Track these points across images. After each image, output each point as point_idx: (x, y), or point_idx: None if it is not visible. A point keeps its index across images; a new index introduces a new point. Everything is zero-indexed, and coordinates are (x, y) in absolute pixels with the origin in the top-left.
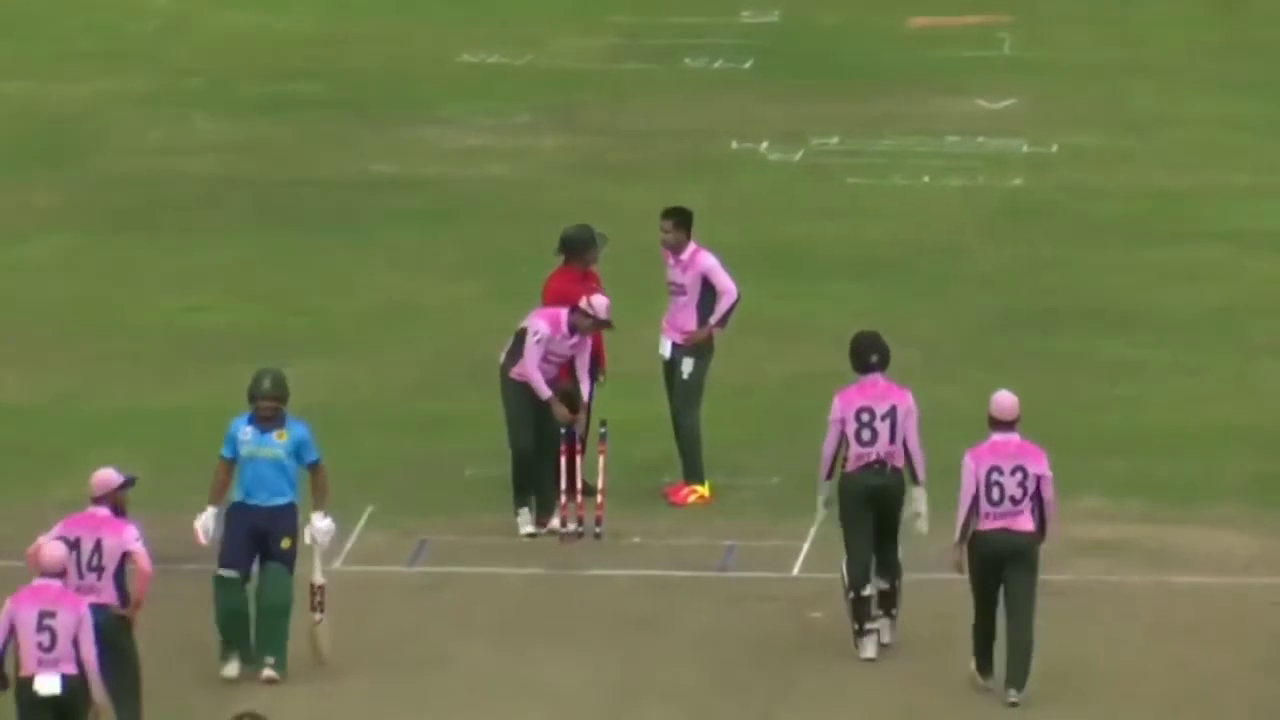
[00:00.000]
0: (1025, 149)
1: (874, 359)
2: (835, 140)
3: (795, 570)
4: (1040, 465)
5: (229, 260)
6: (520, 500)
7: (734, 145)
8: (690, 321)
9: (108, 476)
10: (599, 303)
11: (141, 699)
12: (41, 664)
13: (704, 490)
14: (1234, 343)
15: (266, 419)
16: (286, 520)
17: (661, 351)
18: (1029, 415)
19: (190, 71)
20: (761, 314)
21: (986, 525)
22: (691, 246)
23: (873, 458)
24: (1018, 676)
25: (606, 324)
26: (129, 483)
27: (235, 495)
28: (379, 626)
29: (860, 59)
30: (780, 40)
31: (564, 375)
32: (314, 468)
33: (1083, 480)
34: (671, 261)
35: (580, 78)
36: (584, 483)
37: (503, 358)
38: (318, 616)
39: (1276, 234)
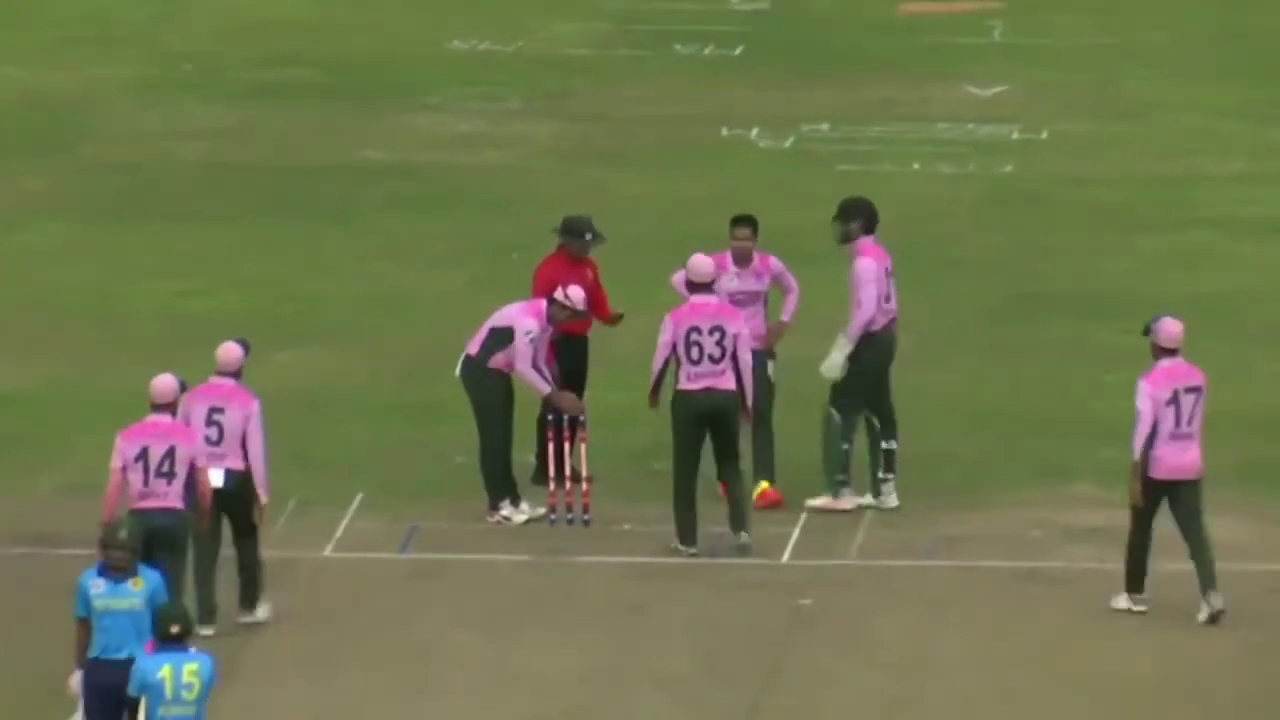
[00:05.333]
0: (1016, 136)
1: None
2: (825, 127)
3: (785, 557)
4: (737, 324)
5: (221, 247)
6: (502, 493)
7: (724, 132)
8: (764, 325)
9: (169, 383)
10: (575, 294)
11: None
12: (209, 458)
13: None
14: (1226, 329)
15: (119, 569)
16: None
17: None
18: (1021, 402)
19: (182, 58)
20: None
21: (689, 385)
22: (757, 253)
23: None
24: (742, 519)
25: (583, 315)
26: (184, 386)
27: (92, 651)
28: (369, 613)
29: (850, 45)
30: (770, 27)
31: (550, 360)
32: None
33: (1075, 467)
34: (734, 270)
35: (571, 64)
36: (572, 470)
37: (475, 350)
38: None
39: (1268, 220)
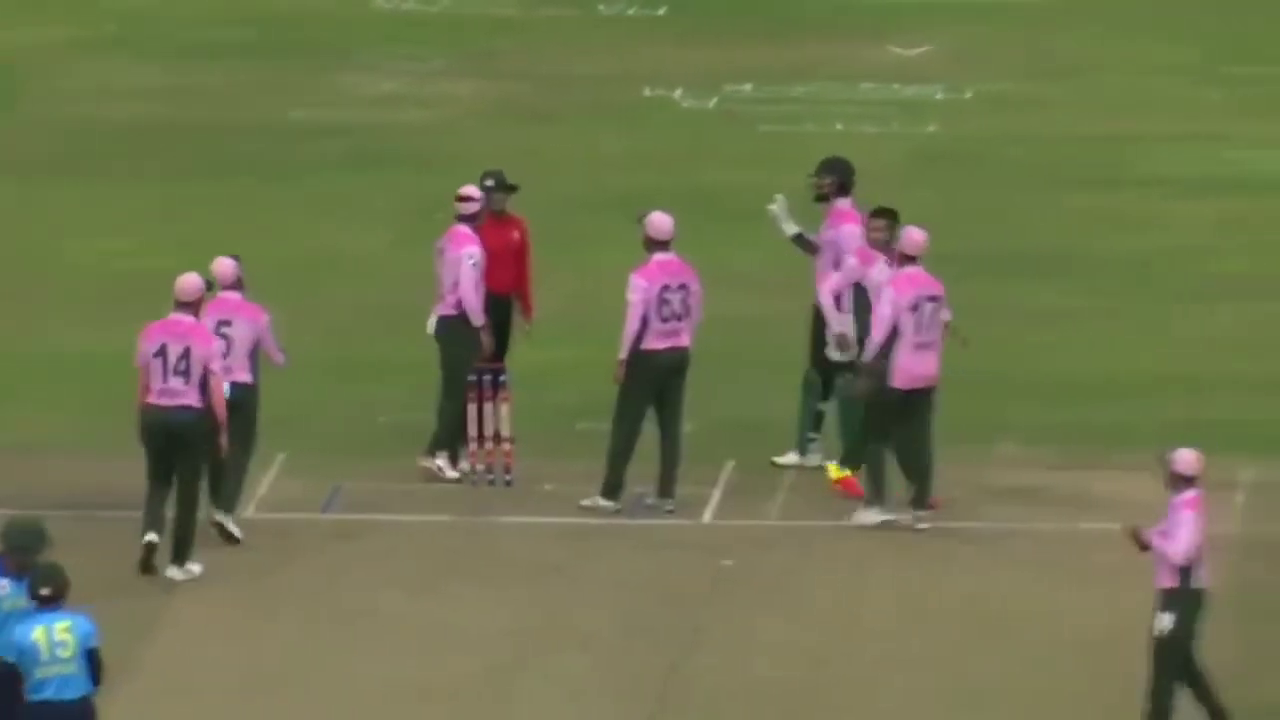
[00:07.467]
0: (940, 96)
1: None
2: (748, 87)
3: (706, 518)
4: (696, 282)
5: (154, 206)
6: (444, 447)
7: (647, 92)
8: None
9: (194, 281)
10: (465, 189)
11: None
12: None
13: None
14: (1155, 289)
15: (20, 567)
16: None
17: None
18: (946, 362)
19: (114, 17)
20: None
21: (656, 344)
22: None
23: None
24: (670, 485)
25: (492, 199)
26: (210, 285)
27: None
28: (292, 573)
29: (774, 6)
30: None
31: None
32: None
33: (998, 426)
34: (884, 260)
35: (495, 24)
36: (494, 431)
37: (451, 310)
38: None
39: (1199, 180)
